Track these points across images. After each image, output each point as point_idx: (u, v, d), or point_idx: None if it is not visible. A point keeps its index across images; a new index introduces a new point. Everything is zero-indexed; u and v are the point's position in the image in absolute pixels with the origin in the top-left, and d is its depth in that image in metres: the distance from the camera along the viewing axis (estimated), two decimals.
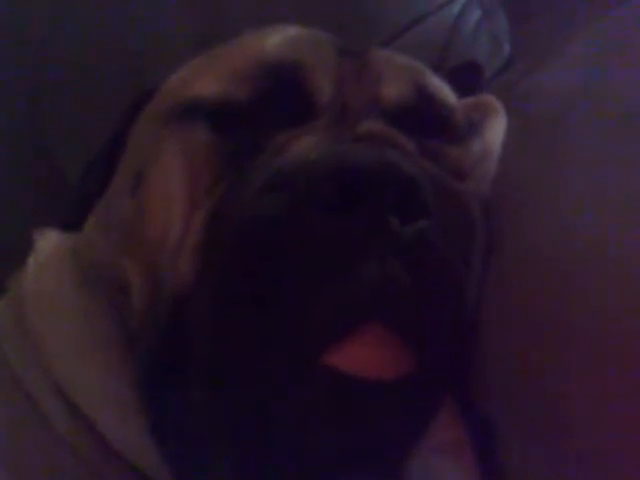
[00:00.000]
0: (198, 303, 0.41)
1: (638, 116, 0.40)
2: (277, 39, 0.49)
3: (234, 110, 0.46)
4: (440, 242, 0.40)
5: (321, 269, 0.38)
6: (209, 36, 0.52)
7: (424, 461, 0.42)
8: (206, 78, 0.48)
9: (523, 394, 0.39)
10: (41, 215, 0.57)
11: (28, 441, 0.45)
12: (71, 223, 0.54)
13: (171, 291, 0.42)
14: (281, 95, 0.46)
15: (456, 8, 0.82)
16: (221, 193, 0.43)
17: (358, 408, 0.39)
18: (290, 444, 0.40)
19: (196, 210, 0.43)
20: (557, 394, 0.37)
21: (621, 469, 0.33)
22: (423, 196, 0.39)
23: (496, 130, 0.52)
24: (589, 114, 0.43)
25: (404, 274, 0.38)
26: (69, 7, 0.80)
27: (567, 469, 0.37)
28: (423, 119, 0.48)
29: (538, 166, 0.45)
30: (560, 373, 0.37)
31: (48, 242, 0.53)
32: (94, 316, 0.47)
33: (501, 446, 0.41)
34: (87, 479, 0.44)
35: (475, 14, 0.82)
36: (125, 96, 0.57)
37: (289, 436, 0.39)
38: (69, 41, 0.79)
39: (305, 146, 0.43)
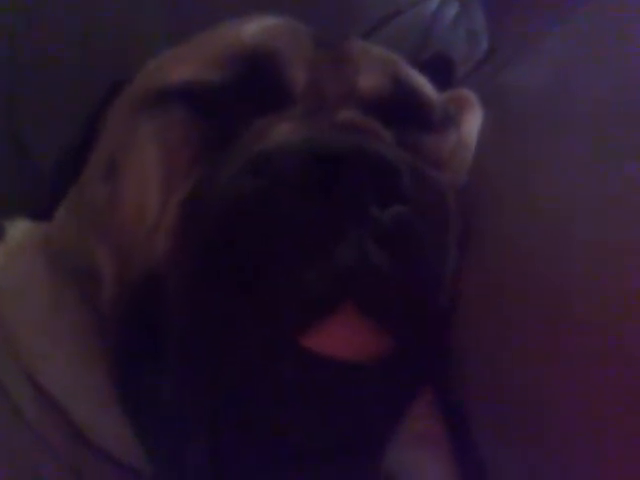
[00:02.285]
0: (174, 283, 0.40)
1: (611, 113, 0.40)
2: (254, 27, 0.49)
3: (209, 95, 0.46)
4: (417, 227, 0.40)
5: (298, 251, 0.38)
6: (188, 26, 0.52)
7: (402, 452, 0.42)
8: (182, 64, 0.48)
9: (498, 384, 0.39)
10: (14, 205, 0.57)
11: None
12: (44, 212, 0.54)
13: (142, 268, 0.42)
14: (256, 82, 0.46)
15: (434, 2, 0.82)
16: (198, 176, 0.43)
17: (333, 390, 0.39)
18: (265, 426, 0.40)
19: (172, 191, 0.43)
20: (531, 384, 0.37)
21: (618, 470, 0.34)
22: (401, 181, 0.39)
23: (472, 123, 0.52)
24: (563, 108, 0.44)
25: (382, 257, 0.38)
26: (47, 2, 0.80)
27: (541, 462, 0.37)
28: (399, 110, 0.48)
29: (514, 157, 0.45)
30: (536, 362, 0.37)
31: (19, 231, 0.53)
32: (65, 304, 0.47)
33: (477, 437, 0.42)
34: (60, 469, 0.44)
35: (453, 8, 0.83)
36: (100, 87, 0.56)
37: (264, 418, 0.39)
38: (46, 37, 0.79)
39: (283, 131, 0.43)
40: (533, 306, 0.38)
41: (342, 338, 0.38)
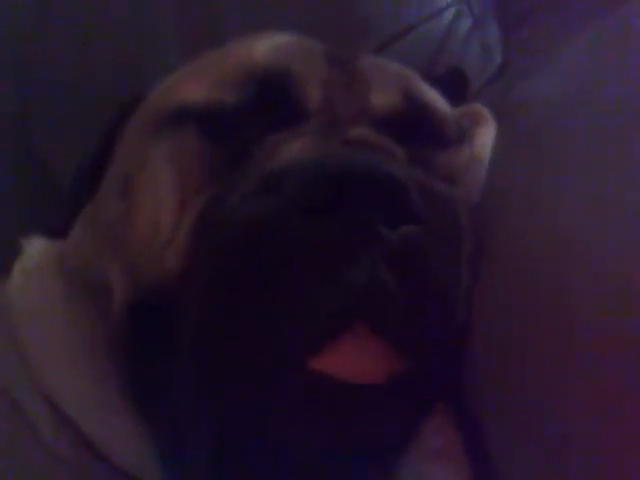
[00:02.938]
0: (184, 303, 0.40)
1: (633, 125, 0.40)
2: (266, 46, 0.49)
3: (222, 116, 0.46)
4: (428, 247, 0.40)
5: (309, 272, 0.37)
6: (201, 38, 0.52)
7: (417, 467, 0.42)
8: (195, 84, 0.48)
9: (512, 398, 0.39)
10: (30, 221, 0.57)
11: (14, 449, 0.45)
12: (60, 228, 0.54)
13: (151, 285, 0.42)
14: (269, 102, 0.46)
15: (447, 17, 0.82)
16: (211, 195, 0.43)
17: (345, 412, 0.39)
18: (274, 446, 0.40)
19: (185, 211, 0.43)
20: (546, 394, 0.37)
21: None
22: (411, 201, 0.39)
23: (485, 138, 0.52)
24: (582, 122, 0.43)
25: (392, 278, 0.38)
26: (58, 7, 0.80)
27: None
28: (412, 126, 0.48)
29: (529, 173, 0.45)
30: (550, 377, 0.37)
31: (35, 249, 0.53)
32: (80, 322, 0.47)
33: (493, 452, 0.41)
34: None
35: (466, 22, 0.83)
36: (115, 99, 0.57)
37: (273, 438, 0.39)
38: (58, 43, 0.79)
39: (294, 150, 0.43)
40: (545, 319, 0.37)
41: (353, 359, 0.38)
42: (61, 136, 0.78)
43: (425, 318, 0.40)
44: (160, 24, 0.78)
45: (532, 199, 0.42)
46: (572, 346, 0.35)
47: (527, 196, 0.43)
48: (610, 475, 0.33)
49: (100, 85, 0.77)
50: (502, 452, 0.41)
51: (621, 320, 0.33)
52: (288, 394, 0.38)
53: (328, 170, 0.38)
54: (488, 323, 0.41)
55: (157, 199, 0.45)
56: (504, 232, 0.43)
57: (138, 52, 0.77)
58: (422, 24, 0.80)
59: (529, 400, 0.38)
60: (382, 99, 0.48)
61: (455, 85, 0.69)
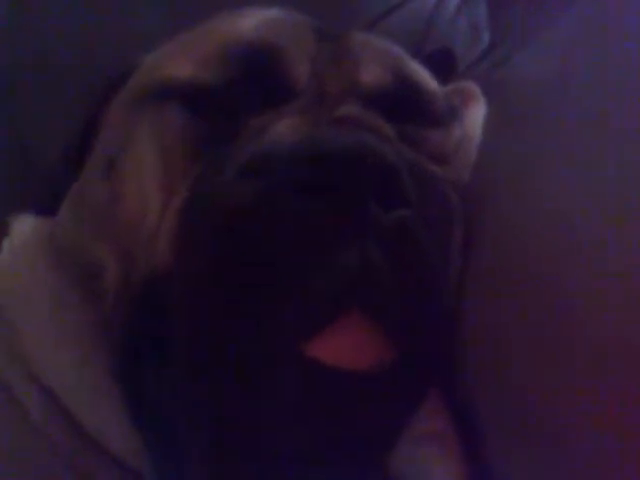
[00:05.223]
0: (176, 288, 0.40)
1: (609, 99, 0.40)
2: (253, 21, 0.48)
3: (208, 93, 0.45)
4: (419, 230, 0.39)
5: (300, 256, 0.37)
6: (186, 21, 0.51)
7: (410, 451, 0.42)
8: (180, 60, 0.47)
9: (498, 384, 0.39)
10: (16, 203, 0.57)
11: (4, 432, 0.44)
12: (46, 210, 0.53)
13: (144, 272, 0.42)
14: (256, 78, 0.45)
15: None
16: (197, 176, 0.42)
17: (337, 398, 0.38)
18: (268, 433, 0.39)
19: (172, 194, 0.43)
20: (530, 387, 0.37)
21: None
22: (402, 182, 0.38)
23: (476, 116, 0.52)
24: (574, 101, 0.43)
25: (384, 262, 0.38)
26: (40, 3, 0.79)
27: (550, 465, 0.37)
28: (402, 104, 0.48)
29: (518, 151, 0.45)
30: (538, 361, 0.37)
31: (23, 227, 0.52)
32: (69, 302, 0.46)
33: (484, 437, 0.41)
34: (63, 468, 0.43)
35: (454, 1, 0.82)
36: (98, 84, 0.56)
37: (267, 426, 0.39)
38: (45, 36, 0.79)
39: (282, 130, 0.42)
40: (534, 304, 0.38)
41: (346, 346, 0.38)
42: (45, 121, 0.78)
43: (416, 302, 0.39)
44: (153, 21, 0.77)
45: (525, 180, 0.42)
46: (570, 333, 0.35)
47: (519, 177, 0.43)
48: (610, 476, 0.33)
49: (87, 71, 0.76)
50: (499, 451, 0.41)
51: (620, 314, 0.33)
52: (281, 381, 0.38)
53: (318, 151, 0.38)
54: (479, 311, 0.41)
55: (142, 180, 0.44)
56: (494, 215, 0.43)
57: (133, 50, 0.76)
58: (410, 2, 0.80)
59: (518, 390, 0.38)
60: (371, 76, 0.48)
61: (443, 64, 0.69)
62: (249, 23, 0.48)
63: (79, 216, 0.49)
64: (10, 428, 0.44)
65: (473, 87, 0.55)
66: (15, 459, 0.43)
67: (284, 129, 0.42)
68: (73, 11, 0.79)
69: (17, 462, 0.43)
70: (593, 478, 0.34)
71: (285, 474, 0.40)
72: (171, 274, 0.40)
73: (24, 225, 0.52)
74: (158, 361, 0.40)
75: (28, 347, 0.46)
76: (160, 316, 0.40)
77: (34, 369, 0.45)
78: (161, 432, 0.41)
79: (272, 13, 0.50)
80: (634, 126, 0.37)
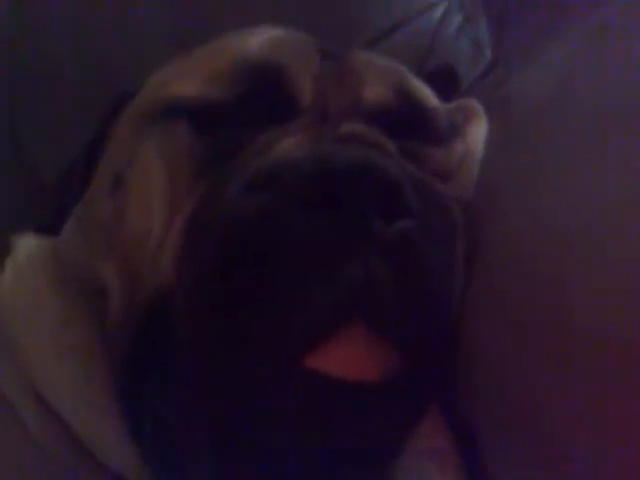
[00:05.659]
0: (180, 302, 0.40)
1: (609, 116, 0.40)
2: (258, 40, 0.49)
3: (214, 111, 0.45)
4: (423, 242, 0.39)
5: (304, 269, 0.37)
6: (189, 35, 0.52)
7: (411, 465, 0.42)
8: (186, 78, 0.48)
9: (502, 397, 0.39)
10: (19, 219, 0.57)
11: (1, 442, 0.44)
12: (50, 227, 0.54)
13: (149, 290, 0.42)
14: (261, 97, 0.46)
15: (437, 13, 0.82)
16: (202, 193, 0.43)
17: (339, 411, 0.38)
18: (269, 447, 0.39)
19: (177, 210, 0.43)
20: (535, 398, 0.37)
21: None
22: (406, 196, 0.39)
23: (478, 133, 0.52)
24: (576, 116, 0.43)
25: (388, 274, 0.38)
26: (41, 7, 0.80)
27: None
28: (404, 121, 0.48)
29: (520, 168, 0.45)
30: (543, 374, 0.37)
31: (26, 246, 0.52)
32: (72, 320, 0.46)
33: (490, 457, 0.41)
34: None
35: (456, 19, 0.83)
36: (102, 97, 0.56)
37: (268, 439, 0.39)
38: (45, 42, 0.79)
39: (286, 146, 0.43)
40: (537, 319, 0.37)
41: (347, 358, 0.38)
42: (48, 136, 0.78)
43: (419, 314, 0.39)
44: (153, 26, 0.78)
45: (526, 196, 0.42)
46: (572, 347, 0.35)
47: (521, 193, 0.43)
48: (611, 477, 0.33)
49: (90, 85, 0.77)
50: (499, 457, 0.40)
51: (621, 319, 0.33)
52: (285, 393, 0.38)
53: (322, 167, 0.38)
54: (481, 326, 0.41)
55: (147, 197, 0.44)
56: (498, 230, 0.43)
57: (128, 51, 0.76)
58: (413, 20, 0.80)
59: (521, 403, 0.38)
60: (374, 93, 0.48)
61: (445, 81, 0.69)
62: (255, 42, 0.48)
63: (84, 233, 0.49)
64: (10, 442, 0.44)
65: (475, 104, 0.55)
66: (14, 472, 0.44)
67: (289, 145, 0.43)
68: (74, 14, 0.79)
69: (16, 475, 0.43)
70: None
71: None
72: (175, 289, 0.41)
73: (27, 243, 0.52)
74: (161, 378, 0.40)
75: (30, 363, 0.46)
76: (165, 333, 0.40)
77: (35, 385, 0.45)
78: (162, 448, 0.41)
79: (277, 32, 0.50)
80: (634, 141, 0.37)
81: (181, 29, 0.76)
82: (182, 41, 0.52)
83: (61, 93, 0.78)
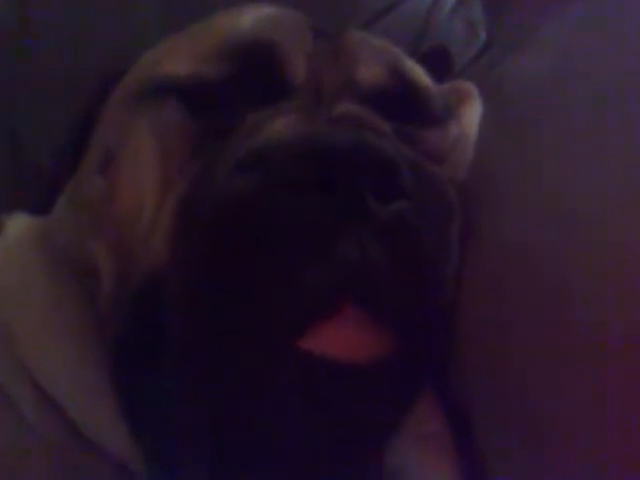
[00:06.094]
0: (173, 283, 0.40)
1: (606, 98, 0.40)
2: (251, 18, 0.48)
3: (206, 89, 0.45)
4: (418, 224, 0.39)
5: (298, 250, 0.37)
6: (180, 14, 0.51)
7: (405, 451, 0.42)
8: (178, 57, 0.47)
9: (494, 380, 0.39)
10: (8, 200, 0.56)
11: None
12: (42, 207, 0.53)
13: (142, 271, 0.42)
14: (254, 75, 0.45)
15: None
16: (194, 173, 0.42)
17: (334, 393, 0.38)
18: (266, 429, 0.39)
19: (168, 190, 0.43)
20: (525, 384, 0.37)
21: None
22: (401, 177, 0.38)
23: (472, 114, 0.52)
24: (572, 97, 0.43)
25: (383, 255, 0.38)
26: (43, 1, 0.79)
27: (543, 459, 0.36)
28: (399, 102, 0.48)
29: (516, 150, 0.45)
30: (536, 362, 0.37)
31: (17, 226, 0.52)
32: (64, 301, 0.46)
33: (478, 438, 0.41)
34: (57, 466, 0.43)
35: (450, 0, 0.82)
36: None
37: (265, 421, 0.39)
38: (43, 34, 0.78)
39: (279, 126, 0.42)
40: (532, 304, 0.37)
41: (342, 339, 0.38)
42: (38, 117, 0.77)
43: (414, 295, 0.39)
44: (151, 21, 0.77)
45: (522, 179, 0.42)
46: (569, 333, 0.35)
47: (518, 175, 0.43)
48: (610, 474, 0.33)
49: (85, 72, 0.76)
50: (497, 450, 0.41)
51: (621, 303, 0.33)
52: (279, 373, 0.38)
53: (315, 146, 0.38)
54: (477, 309, 0.41)
55: (139, 175, 0.44)
56: (494, 213, 0.43)
57: (124, 42, 0.75)
58: (406, 1, 0.80)
59: (515, 391, 0.38)
60: (368, 73, 0.48)
61: (439, 62, 0.69)
62: (247, 20, 0.48)
63: (75, 213, 0.49)
64: (5, 428, 0.44)
65: (469, 86, 0.55)
66: (11, 459, 0.43)
67: (282, 125, 0.42)
68: (71, 9, 0.79)
69: (13, 462, 0.43)
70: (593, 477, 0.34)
71: (284, 468, 0.40)
72: (168, 270, 0.40)
73: (18, 224, 0.52)
74: (156, 359, 0.40)
75: (23, 348, 0.45)
76: (159, 313, 0.40)
77: (29, 369, 0.45)
78: (158, 431, 0.41)
79: (270, 10, 0.50)
80: (633, 123, 0.37)
81: (175, 19, 0.75)
82: (174, 21, 0.51)
83: (53, 76, 0.77)
